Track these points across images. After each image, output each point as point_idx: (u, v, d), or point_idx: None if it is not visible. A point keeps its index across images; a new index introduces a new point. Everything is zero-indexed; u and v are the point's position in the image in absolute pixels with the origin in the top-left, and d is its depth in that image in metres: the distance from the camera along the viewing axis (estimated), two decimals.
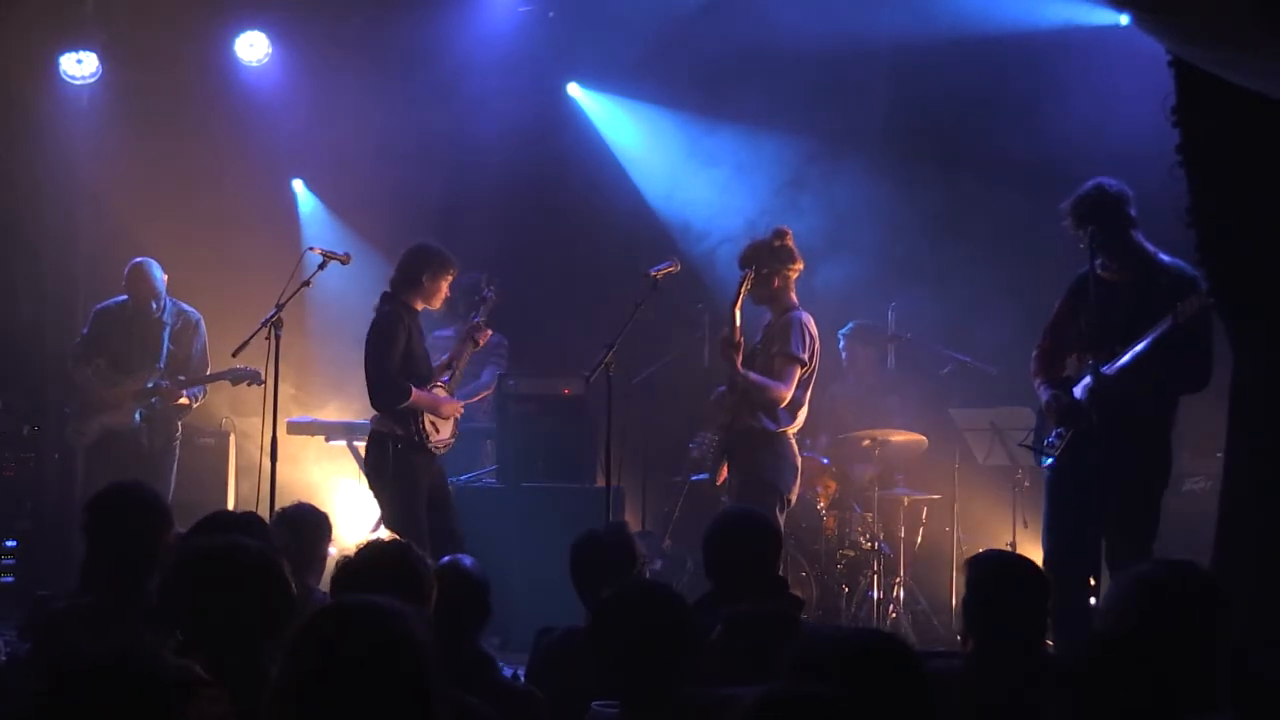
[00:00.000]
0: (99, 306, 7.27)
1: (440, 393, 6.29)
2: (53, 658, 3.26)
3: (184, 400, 7.18)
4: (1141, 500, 5.15)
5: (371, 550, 3.29)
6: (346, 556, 3.29)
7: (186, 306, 7.35)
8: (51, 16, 8.31)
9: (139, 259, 7.23)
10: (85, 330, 7.26)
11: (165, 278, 7.24)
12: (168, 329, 7.17)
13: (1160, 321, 5.08)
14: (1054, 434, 5.35)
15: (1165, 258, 5.24)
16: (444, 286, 6.22)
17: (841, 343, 7.77)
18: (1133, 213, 5.22)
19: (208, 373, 7.25)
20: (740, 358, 5.96)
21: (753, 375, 5.91)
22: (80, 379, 7.21)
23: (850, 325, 7.78)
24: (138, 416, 7.08)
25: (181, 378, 7.12)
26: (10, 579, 7.51)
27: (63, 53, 8.39)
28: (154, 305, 7.15)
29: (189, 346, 7.20)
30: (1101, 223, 5.18)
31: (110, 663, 1.91)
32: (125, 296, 7.21)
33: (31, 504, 7.23)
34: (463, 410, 6.49)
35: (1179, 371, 5.14)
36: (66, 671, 1.90)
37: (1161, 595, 2.82)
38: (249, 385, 7.06)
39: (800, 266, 6.08)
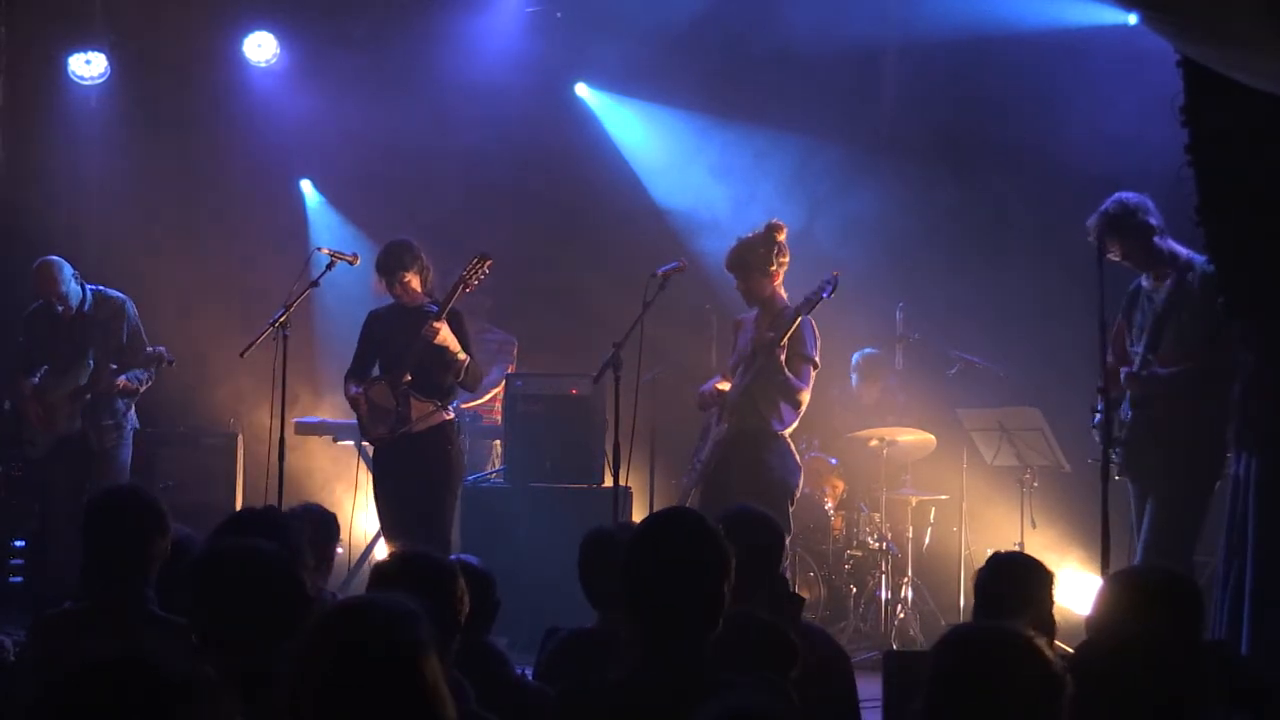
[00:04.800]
0: (26, 313, 7.12)
1: (375, 387, 6.23)
2: (56, 658, 3.25)
3: (122, 383, 6.93)
4: (1164, 512, 5.21)
5: (401, 555, 3.26)
6: (381, 561, 3.28)
7: (111, 292, 7.11)
8: (60, 17, 8.39)
9: (43, 258, 6.97)
10: (22, 339, 7.11)
11: (74, 274, 6.95)
12: (93, 323, 6.98)
13: (1182, 360, 5.18)
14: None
15: (1199, 258, 5.27)
16: (381, 281, 6.23)
17: (854, 376, 7.80)
18: (1153, 221, 5.26)
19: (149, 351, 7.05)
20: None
21: (790, 377, 5.91)
22: (16, 392, 7.05)
23: (861, 354, 7.78)
24: (80, 419, 6.92)
25: (114, 367, 6.90)
26: (19, 579, 7.51)
27: (71, 53, 8.43)
28: (59, 307, 6.91)
29: (118, 335, 7.01)
30: (1124, 236, 5.25)
31: (116, 662, 1.88)
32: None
33: (40, 504, 7.24)
34: (389, 394, 6.13)
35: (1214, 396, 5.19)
36: (72, 670, 1.87)
37: (1145, 597, 2.86)
38: (158, 367, 6.94)
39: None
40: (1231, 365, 5.15)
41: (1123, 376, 5.31)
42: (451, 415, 6.26)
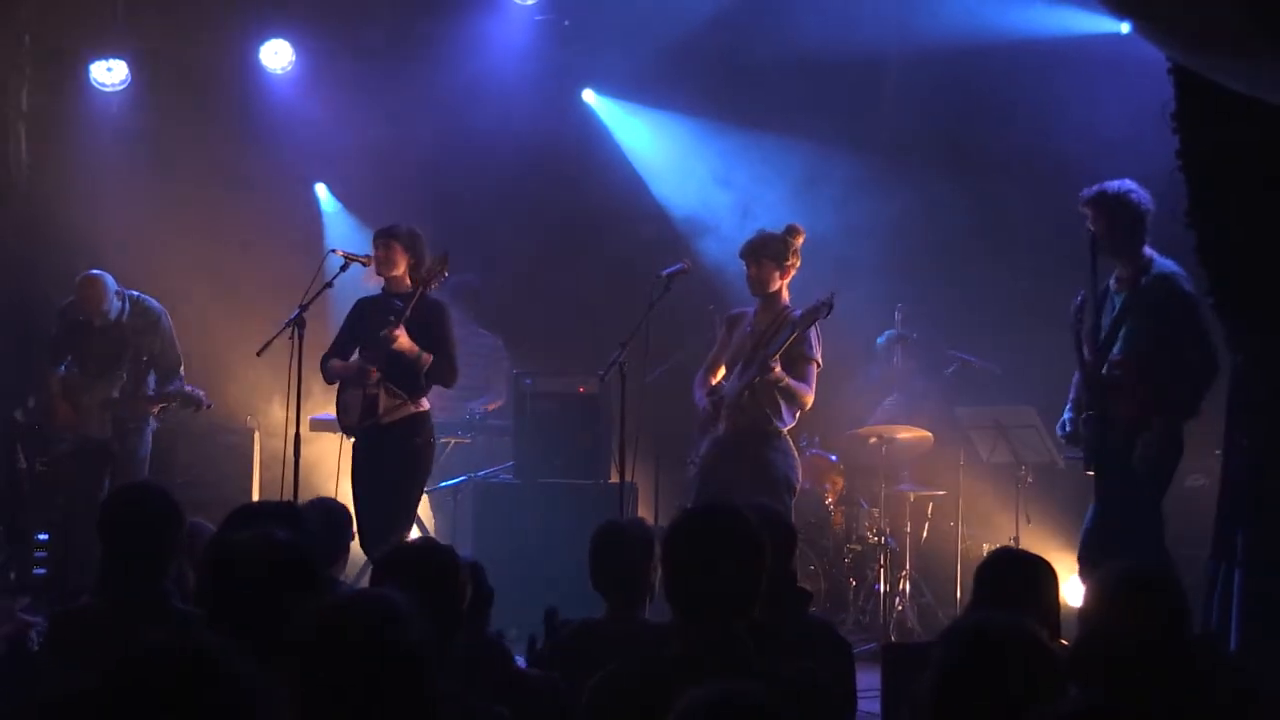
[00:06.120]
0: (61, 307, 7.29)
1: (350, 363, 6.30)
2: (76, 653, 3.26)
3: (156, 409, 7.12)
4: (1108, 505, 5.35)
5: (403, 548, 3.31)
6: (384, 554, 3.26)
7: (150, 302, 7.26)
8: (83, 25, 8.49)
9: (89, 272, 7.14)
10: (55, 332, 7.29)
11: (116, 290, 7.15)
12: (128, 332, 7.15)
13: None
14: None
15: (1163, 262, 5.41)
16: (373, 255, 6.33)
17: (884, 353, 7.93)
18: (1137, 219, 5.40)
19: (181, 369, 7.22)
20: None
21: (793, 381, 5.99)
22: (50, 385, 7.22)
23: (886, 335, 7.92)
24: (109, 426, 7.09)
25: (151, 393, 7.10)
26: (43, 571, 7.67)
27: (93, 60, 8.56)
28: (98, 322, 7.09)
29: (152, 346, 7.17)
30: (1110, 213, 5.40)
31: (189, 656, 1.87)
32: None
33: (63, 498, 7.40)
34: (369, 374, 6.14)
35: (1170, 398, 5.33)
36: (132, 659, 1.86)
37: (1131, 588, 2.96)
38: (195, 411, 7.17)
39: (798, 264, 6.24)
40: (1182, 366, 5.28)
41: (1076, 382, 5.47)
42: (424, 408, 6.25)
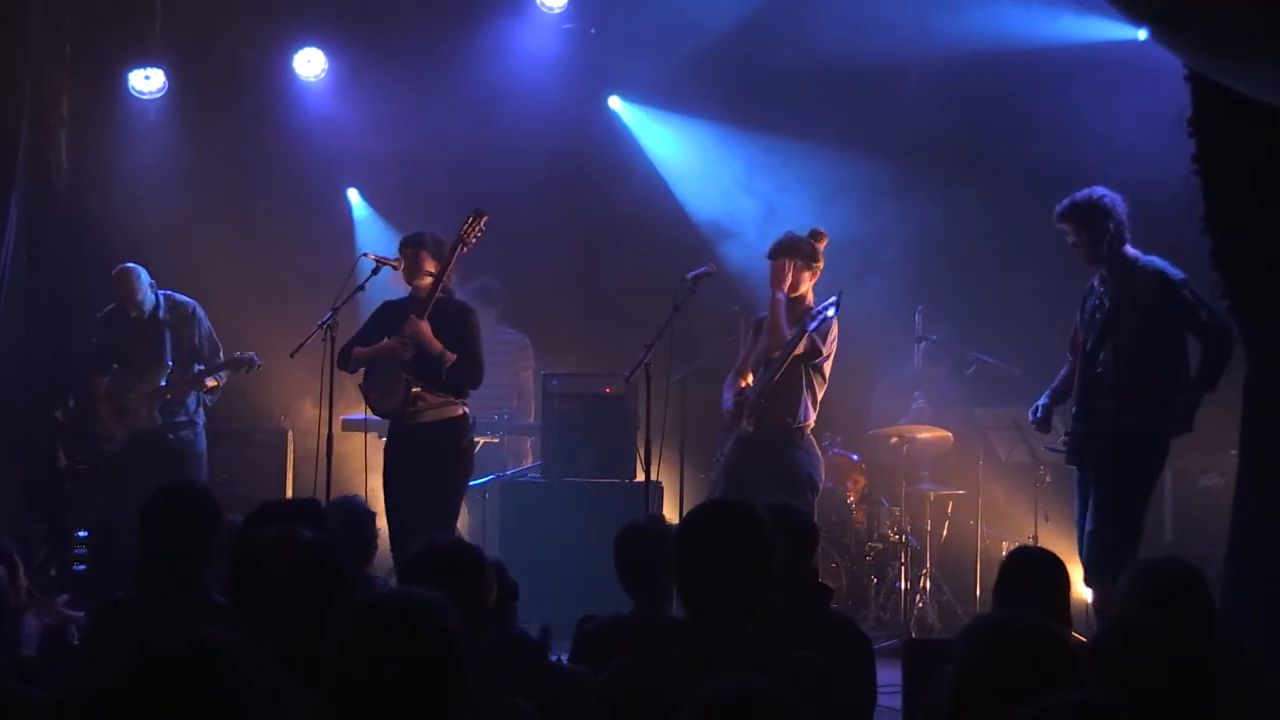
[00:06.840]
0: (99, 315, 7.55)
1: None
2: (114, 647, 3.21)
3: (211, 383, 7.39)
4: (1106, 509, 5.44)
5: (428, 547, 3.30)
6: (409, 553, 3.28)
7: (181, 297, 7.50)
8: (122, 36, 8.65)
9: (123, 266, 7.40)
10: (94, 340, 7.55)
11: (150, 282, 7.41)
12: (166, 326, 7.40)
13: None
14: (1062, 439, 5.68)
15: (1145, 259, 5.49)
16: (400, 260, 6.32)
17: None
18: (1110, 225, 5.47)
19: (220, 356, 7.44)
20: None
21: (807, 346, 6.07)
22: (95, 389, 7.46)
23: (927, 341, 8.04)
24: (159, 416, 7.34)
25: (199, 368, 7.34)
26: (83, 567, 7.86)
27: (132, 69, 8.71)
28: (133, 312, 7.35)
29: (191, 338, 7.42)
30: (1082, 225, 5.50)
31: (198, 653, 1.86)
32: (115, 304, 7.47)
33: (104, 496, 7.57)
34: (404, 349, 6.05)
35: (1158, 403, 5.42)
36: (142, 658, 1.87)
37: (1157, 587, 3.04)
38: (247, 372, 7.38)
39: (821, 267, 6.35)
40: (1174, 362, 5.37)
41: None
42: (462, 411, 6.16)
